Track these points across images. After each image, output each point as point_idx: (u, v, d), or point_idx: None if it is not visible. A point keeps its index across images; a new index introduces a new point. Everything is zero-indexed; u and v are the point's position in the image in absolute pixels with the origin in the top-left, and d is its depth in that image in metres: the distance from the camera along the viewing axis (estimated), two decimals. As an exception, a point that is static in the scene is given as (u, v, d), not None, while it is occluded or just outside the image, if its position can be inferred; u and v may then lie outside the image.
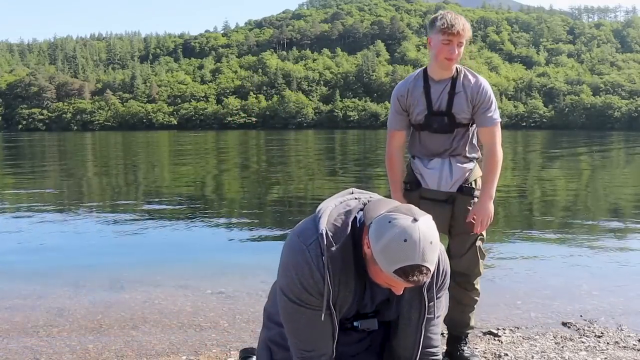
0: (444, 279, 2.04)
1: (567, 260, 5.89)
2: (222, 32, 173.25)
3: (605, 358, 3.15)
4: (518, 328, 3.70)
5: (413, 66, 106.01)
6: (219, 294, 4.61)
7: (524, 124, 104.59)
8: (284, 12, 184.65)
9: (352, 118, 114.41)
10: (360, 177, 15.81)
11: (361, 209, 1.93)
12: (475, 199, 2.86)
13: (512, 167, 18.94)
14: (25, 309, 4.26)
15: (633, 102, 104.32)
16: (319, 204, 1.98)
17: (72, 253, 6.55)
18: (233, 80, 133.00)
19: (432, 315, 2.03)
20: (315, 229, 1.90)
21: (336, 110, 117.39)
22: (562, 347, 3.33)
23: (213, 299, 4.51)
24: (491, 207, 2.83)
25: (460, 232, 2.87)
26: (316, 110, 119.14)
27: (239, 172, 18.69)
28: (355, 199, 1.99)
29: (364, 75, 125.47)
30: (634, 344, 3.38)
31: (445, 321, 2.98)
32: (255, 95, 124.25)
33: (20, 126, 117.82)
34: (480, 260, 2.91)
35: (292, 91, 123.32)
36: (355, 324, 2.03)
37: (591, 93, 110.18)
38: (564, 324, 3.79)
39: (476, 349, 3.25)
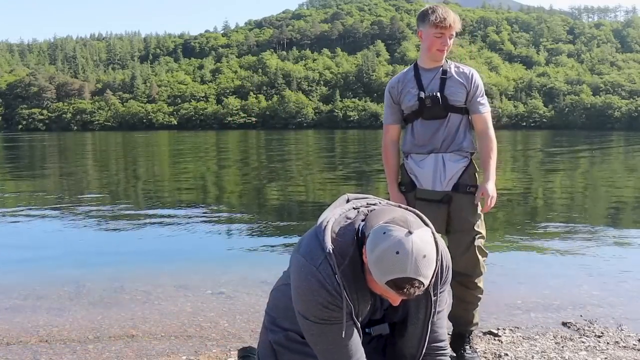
0: (447, 274, 2.05)
1: (567, 260, 5.89)
2: (222, 32, 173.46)
3: (606, 358, 3.15)
4: (518, 328, 3.70)
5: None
6: (219, 294, 4.61)
7: (524, 123, 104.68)
8: (284, 12, 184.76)
9: (352, 118, 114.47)
10: (361, 177, 15.82)
11: (362, 219, 1.92)
12: (472, 196, 2.88)
13: (512, 167, 18.94)
14: (25, 309, 4.26)
15: (633, 102, 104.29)
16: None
17: (72, 253, 6.55)
18: (233, 80, 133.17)
19: (436, 310, 2.04)
20: (320, 248, 1.89)
21: (336, 110, 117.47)
22: (562, 347, 3.33)
23: (213, 299, 4.50)
24: (493, 187, 2.88)
25: (458, 230, 2.88)
26: (316, 110, 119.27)
27: (239, 171, 18.69)
28: (354, 208, 1.99)
29: (364, 75, 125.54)
30: (634, 344, 3.37)
31: (449, 319, 2.98)
32: (255, 95, 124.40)
33: (20, 126, 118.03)
34: (481, 259, 2.90)
35: (292, 91, 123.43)
36: (367, 330, 2.06)
37: (591, 93, 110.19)
38: (564, 323, 3.79)
39: (476, 349, 3.24)
